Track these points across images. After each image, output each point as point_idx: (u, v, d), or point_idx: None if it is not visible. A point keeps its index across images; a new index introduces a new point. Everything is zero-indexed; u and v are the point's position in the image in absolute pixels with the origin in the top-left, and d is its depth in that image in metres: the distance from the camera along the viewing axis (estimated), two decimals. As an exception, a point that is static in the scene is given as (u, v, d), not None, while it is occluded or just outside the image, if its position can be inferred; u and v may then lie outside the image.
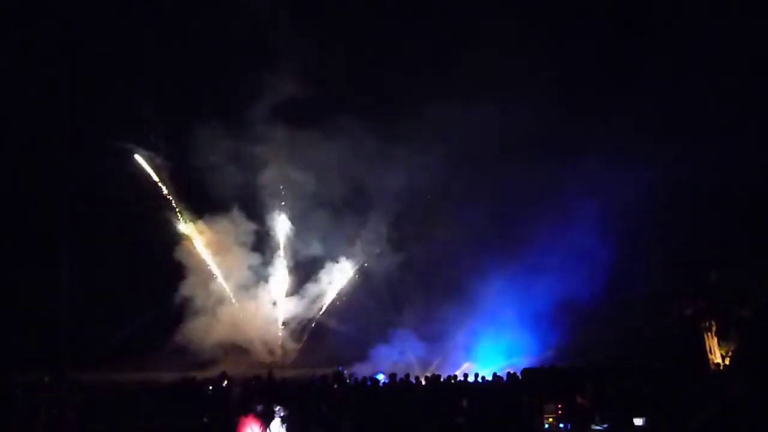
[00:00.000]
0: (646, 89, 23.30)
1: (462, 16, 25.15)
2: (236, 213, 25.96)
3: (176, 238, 25.93)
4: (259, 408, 10.93)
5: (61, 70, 23.77)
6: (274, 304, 26.68)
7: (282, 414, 11.02)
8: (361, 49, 25.31)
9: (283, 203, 26.72)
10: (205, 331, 25.23)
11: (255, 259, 26.49)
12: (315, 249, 26.61)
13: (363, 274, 26.79)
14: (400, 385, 16.48)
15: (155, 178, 25.75)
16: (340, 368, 20.34)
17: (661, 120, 23.29)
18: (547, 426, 14.48)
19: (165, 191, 25.92)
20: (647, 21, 24.02)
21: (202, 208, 26.14)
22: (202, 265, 25.93)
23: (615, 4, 24.34)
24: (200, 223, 26.19)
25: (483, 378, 17.14)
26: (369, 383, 16.63)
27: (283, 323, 26.69)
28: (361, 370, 21.80)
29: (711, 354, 21.26)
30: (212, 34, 24.28)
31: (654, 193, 22.43)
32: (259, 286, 26.55)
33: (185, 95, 24.48)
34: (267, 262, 26.77)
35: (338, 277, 26.73)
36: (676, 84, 22.74)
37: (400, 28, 25.21)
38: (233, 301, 26.10)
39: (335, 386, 16.33)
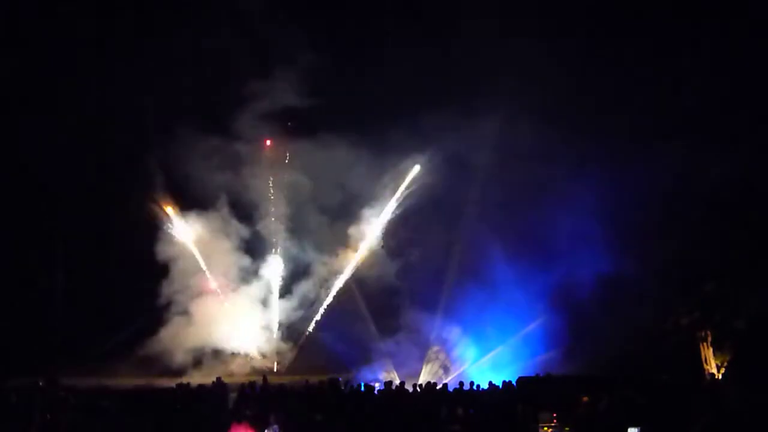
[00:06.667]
0: (645, 97, 23.39)
1: (463, 18, 25.19)
2: (228, 214, 25.96)
3: (166, 239, 25.87)
4: (252, 414, 10.89)
5: (54, 64, 23.75)
6: (268, 307, 26.64)
7: (275, 424, 10.98)
8: (360, 51, 25.44)
9: (276, 206, 26.77)
10: (196, 335, 25.15)
11: (247, 260, 26.44)
12: (309, 253, 26.64)
13: (359, 278, 26.76)
14: (395, 392, 16.45)
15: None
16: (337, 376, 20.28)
17: (660, 130, 23.34)
18: (542, 434, 14.48)
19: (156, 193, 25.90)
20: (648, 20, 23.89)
21: (193, 208, 26.11)
22: (195, 268, 25.88)
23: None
24: (191, 223, 26.11)
25: (478, 386, 17.12)
26: (364, 390, 16.59)
27: (278, 328, 26.66)
28: (357, 377, 21.76)
29: (706, 364, 21.28)
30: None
31: (650, 202, 22.50)
32: (252, 288, 26.49)
33: (178, 94, 24.44)
34: (260, 264, 26.75)
35: (334, 281, 26.72)
36: (674, 92, 22.85)
37: (397, 30, 25.21)
38: (226, 303, 26.04)
39: (330, 394, 16.27)
